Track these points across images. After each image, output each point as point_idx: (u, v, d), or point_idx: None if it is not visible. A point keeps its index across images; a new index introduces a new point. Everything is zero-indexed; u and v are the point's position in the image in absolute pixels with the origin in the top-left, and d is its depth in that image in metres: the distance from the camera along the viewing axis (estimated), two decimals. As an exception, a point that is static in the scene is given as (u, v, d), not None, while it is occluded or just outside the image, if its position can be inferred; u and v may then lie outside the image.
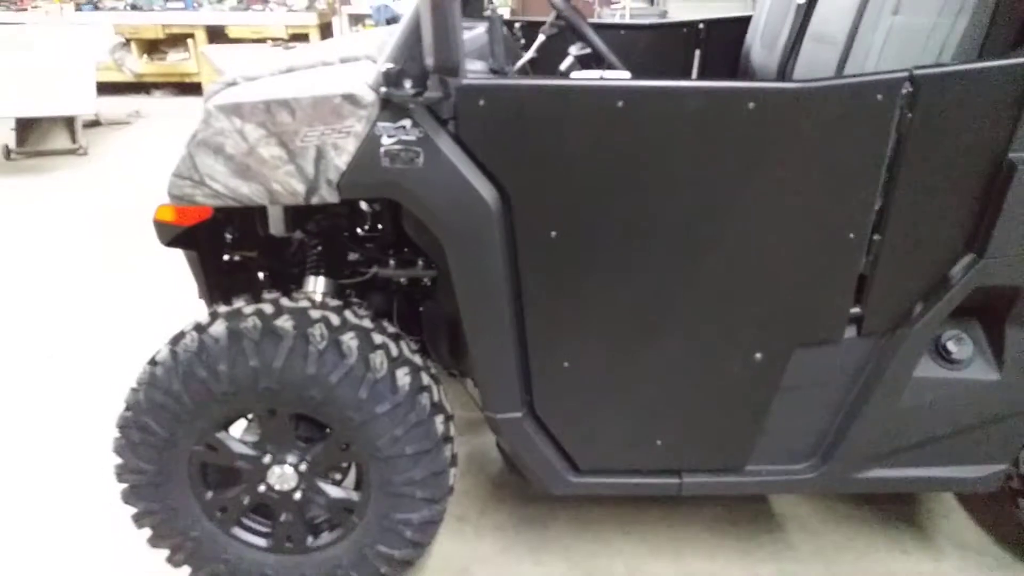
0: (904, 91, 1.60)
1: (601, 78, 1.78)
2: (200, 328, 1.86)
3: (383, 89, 1.58)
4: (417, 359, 1.98)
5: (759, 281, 1.77)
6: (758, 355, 1.84)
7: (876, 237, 1.73)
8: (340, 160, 1.66)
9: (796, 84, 1.60)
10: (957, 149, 1.65)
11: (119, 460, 1.92)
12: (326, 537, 2.02)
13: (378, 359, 1.84)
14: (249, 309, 1.88)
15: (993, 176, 1.66)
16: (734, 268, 1.75)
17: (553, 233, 1.73)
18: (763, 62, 2.82)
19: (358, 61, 1.89)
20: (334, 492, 1.96)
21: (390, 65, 1.58)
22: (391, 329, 2.02)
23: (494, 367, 1.84)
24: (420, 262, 2.18)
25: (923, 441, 1.91)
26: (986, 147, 1.65)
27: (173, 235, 1.93)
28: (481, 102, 1.62)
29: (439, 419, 1.93)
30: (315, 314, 1.87)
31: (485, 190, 1.68)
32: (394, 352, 1.91)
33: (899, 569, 2.26)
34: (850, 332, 1.85)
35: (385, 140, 1.64)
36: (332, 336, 1.82)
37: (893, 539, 2.38)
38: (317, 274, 2.18)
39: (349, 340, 1.83)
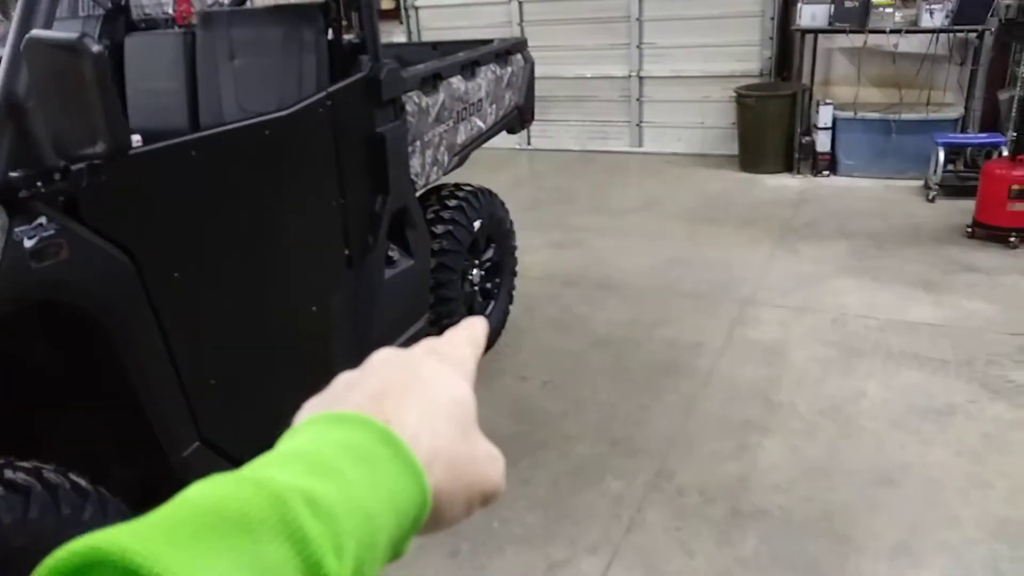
0: (328, 103, 2.46)
1: (140, 141, 2.03)
2: None
3: (24, 192, 1.56)
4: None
5: (302, 255, 2.43)
6: (314, 308, 2.52)
7: (343, 200, 2.59)
8: (-15, 279, 1.55)
9: (281, 112, 2.28)
10: (357, 132, 2.63)
11: None
12: None
13: (53, 478, 1.77)
14: None
15: (374, 145, 2.72)
16: (288, 252, 2.37)
17: (176, 274, 1.99)
18: None
19: None
20: None
21: (13, 174, 1.56)
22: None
23: (169, 411, 2.00)
24: None
25: (400, 315, 2.95)
26: (368, 128, 2.68)
27: None
28: (103, 178, 1.74)
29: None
30: None
31: (120, 256, 1.82)
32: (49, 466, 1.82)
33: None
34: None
35: (27, 243, 1.61)
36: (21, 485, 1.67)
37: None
38: None
39: (12, 474, 1.70)
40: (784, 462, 2.89)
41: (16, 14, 1.65)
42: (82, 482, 1.82)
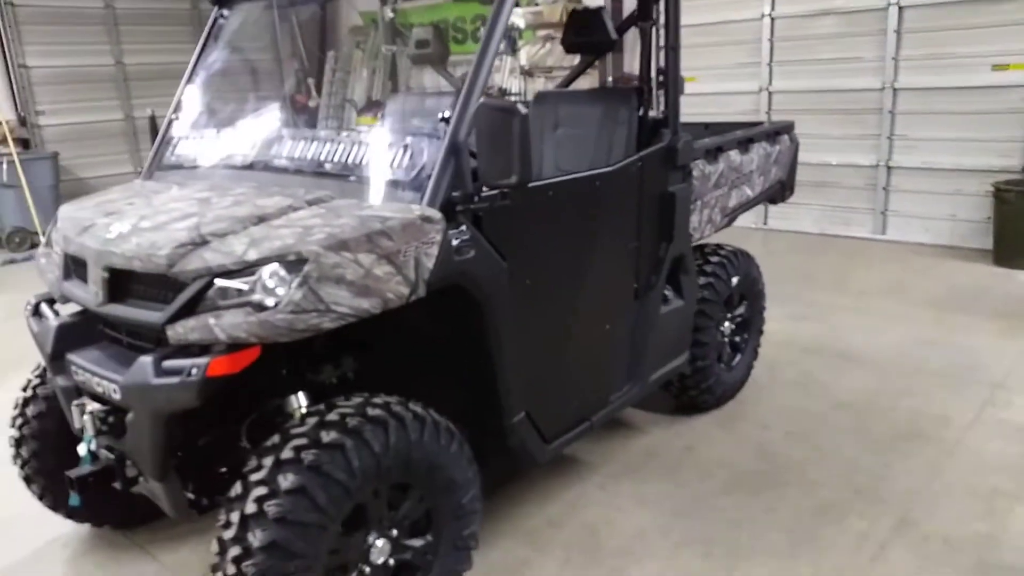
0: (639, 164, 3.07)
1: None
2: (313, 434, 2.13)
3: (459, 207, 2.28)
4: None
5: (605, 283, 3.02)
6: (607, 326, 3.08)
7: (637, 243, 3.17)
8: (430, 263, 2.25)
9: (609, 168, 2.92)
10: (654, 189, 3.21)
11: None
12: None
13: (436, 416, 2.41)
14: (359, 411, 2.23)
15: (666, 200, 3.28)
16: (597, 278, 2.97)
17: (528, 281, 2.64)
18: None
19: (325, 202, 2.39)
20: (416, 542, 2.41)
21: (454, 193, 2.29)
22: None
23: (512, 382, 2.62)
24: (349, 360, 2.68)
25: (667, 347, 3.45)
26: (662, 187, 3.25)
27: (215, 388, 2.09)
28: (497, 204, 2.43)
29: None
30: (398, 403, 2.33)
31: (499, 260, 2.49)
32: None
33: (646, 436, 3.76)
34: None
35: (454, 242, 2.31)
36: (421, 415, 2.34)
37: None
38: (295, 392, 2.48)
39: (414, 407, 2.36)
40: (1036, 530, 2.97)
41: (463, 91, 2.39)
42: (452, 426, 2.46)
